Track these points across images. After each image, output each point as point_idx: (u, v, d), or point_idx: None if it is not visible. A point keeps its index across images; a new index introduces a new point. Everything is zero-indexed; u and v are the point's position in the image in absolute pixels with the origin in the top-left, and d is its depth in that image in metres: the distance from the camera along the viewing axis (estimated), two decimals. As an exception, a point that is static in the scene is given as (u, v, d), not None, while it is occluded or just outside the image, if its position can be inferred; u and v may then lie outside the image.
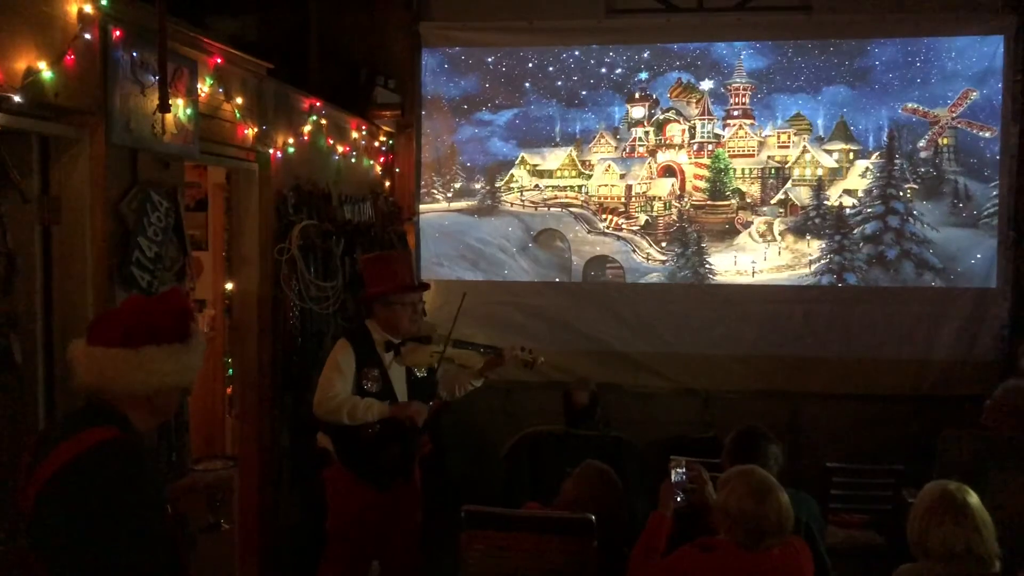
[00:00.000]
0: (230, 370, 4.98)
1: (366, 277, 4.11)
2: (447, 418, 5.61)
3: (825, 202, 6.28)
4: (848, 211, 6.26)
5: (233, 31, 5.14)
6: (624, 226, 6.51)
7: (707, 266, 6.43)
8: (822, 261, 6.31)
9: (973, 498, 2.78)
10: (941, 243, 6.15)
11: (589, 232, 6.56)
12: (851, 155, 6.23)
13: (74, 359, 2.06)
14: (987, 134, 6.05)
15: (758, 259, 6.37)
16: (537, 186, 6.57)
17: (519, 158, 6.54)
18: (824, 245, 6.29)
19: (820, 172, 6.28)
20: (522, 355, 4.04)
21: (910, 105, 6.11)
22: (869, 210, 6.24)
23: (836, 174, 6.27)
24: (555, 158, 6.53)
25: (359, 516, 3.90)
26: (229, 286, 4.88)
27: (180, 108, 3.57)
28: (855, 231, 6.26)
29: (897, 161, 6.16)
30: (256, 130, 4.37)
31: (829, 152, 6.27)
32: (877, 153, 6.19)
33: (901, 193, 6.19)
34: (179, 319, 2.09)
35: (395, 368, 3.96)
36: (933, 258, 6.18)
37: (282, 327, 4.67)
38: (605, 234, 6.53)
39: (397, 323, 3.96)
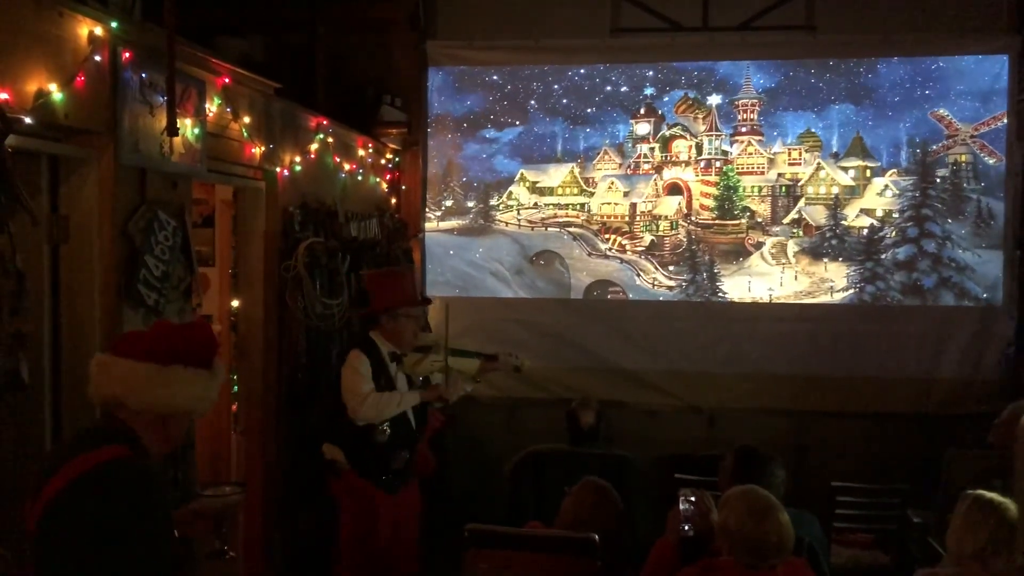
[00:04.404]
0: (235, 387, 4.99)
1: (372, 291, 4.20)
2: (451, 435, 5.62)
3: (842, 222, 6.15)
4: (868, 232, 6.09)
5: (241, 51, 5.18)
6: (628, 247, 6.38)
7: (720, 294, 6.24)
8: (851, 291, 6.11)
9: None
10: (980, 268, 5.96)
11: (590, 254, 6.41)
12: (868, 172, 6.13)
13: (97, 369, 2.07)
14: (992, 160, 6.01)
15: (774, 284, 6.19)
16: (536, 204, 6.47)
17: (518, 175, 6.50)
18: (852, 272, 6.10)
19: (835, 190, 6.17)
20: (513, 360, 4.31)
21: (939, 111, 6.02)
22: (895, 233, 6.07)
23: (852, 192, 6.16)
24: (557, 174, 6.46)
25: (376, 520, 3.99)
26: (235, 303, 4.91)
27: (188, 128, 3.61)
28: (884, 256, 6.06)
29: (936, 179, 6.00)
30: (263, 149, 4.41)
31: (845, 169, 6.17)
32: (893, 171, 6.11)
33: (935, 214, 6.02)
34: (207, 347, 2.13)
35: (399, 378, 4.11)
36: (975, 287, 5.97)
37: (288, 344, 4.71)
38: (607, 256, 6.40)
39: (402, 335, 4.11)
